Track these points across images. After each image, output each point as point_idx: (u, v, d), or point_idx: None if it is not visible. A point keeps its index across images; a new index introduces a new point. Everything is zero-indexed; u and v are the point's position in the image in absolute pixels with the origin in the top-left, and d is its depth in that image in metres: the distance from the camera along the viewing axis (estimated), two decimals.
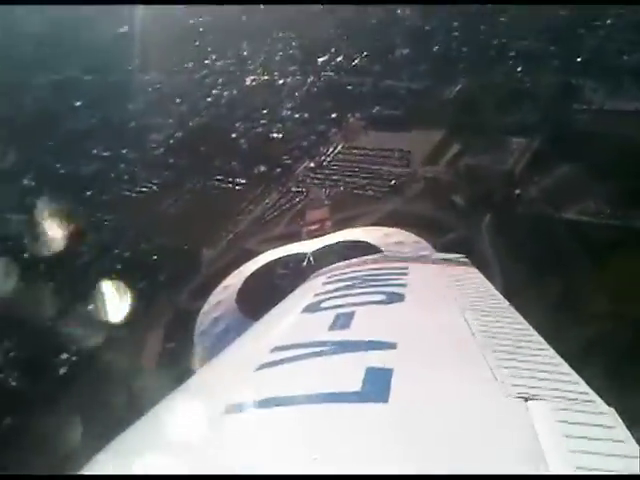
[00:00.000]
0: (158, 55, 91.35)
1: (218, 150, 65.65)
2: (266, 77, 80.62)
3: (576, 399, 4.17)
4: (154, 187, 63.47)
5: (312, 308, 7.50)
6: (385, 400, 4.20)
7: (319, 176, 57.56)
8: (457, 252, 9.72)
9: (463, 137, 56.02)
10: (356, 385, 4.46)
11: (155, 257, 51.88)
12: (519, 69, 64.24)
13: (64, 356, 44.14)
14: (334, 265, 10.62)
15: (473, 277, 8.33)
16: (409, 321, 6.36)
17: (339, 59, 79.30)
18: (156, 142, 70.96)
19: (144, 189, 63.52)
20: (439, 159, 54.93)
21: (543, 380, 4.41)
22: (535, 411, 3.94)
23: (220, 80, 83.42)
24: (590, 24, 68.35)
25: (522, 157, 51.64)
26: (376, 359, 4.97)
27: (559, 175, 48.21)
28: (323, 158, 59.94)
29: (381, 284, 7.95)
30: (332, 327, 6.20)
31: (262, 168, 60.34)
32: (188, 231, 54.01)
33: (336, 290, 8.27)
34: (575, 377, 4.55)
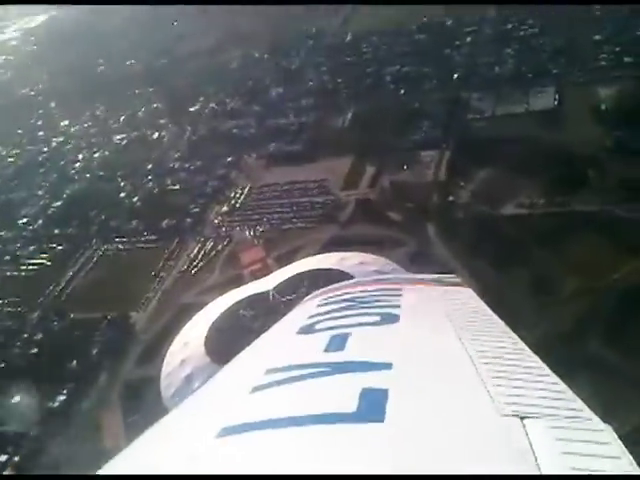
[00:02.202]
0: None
1: (110, 212, 62.02)
2: (136, 133, 77.84)
3: (572, 417, 4.30)
4: (45, 262, 58.02)
5: (307, 330, 7.65)
6: (381, 420, 4.32)
7: (237, 219, 56.26)
8: (416, 262, 10.23)
9: (374, 159, 57.87)
10: (352, 406, 4.59)
11: (78, 333, 47.20)
12: (402, 91, 67.95)
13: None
14: (327, 287, 10.83)
15: (466, 297, 8.63)
16: (404, 341, 6.45)
17: (212, 105, 78.86)
18: (30, 216, 65.34)
19: (33, 266, 57.85)
20: (358, 182, 56.08)
21: (539, 398, 4.56)
22: (532, 429, 4.05)
23: (83, 144, 79.44)
24: (452, 44, 74.56)
25: (439, 167, 54.30)
26: (371, 380, 5.11)
27: (481, 178, 51.39)
28: (234, 201, 58.63)
29: (375, 305, 8.12)
30: (327, 349, 6.31)
31: (168, 221, 57.67)
32: (105, 299, 50.03)
33: (330, 312, 8.39)
34: (570, 394, 4.70)
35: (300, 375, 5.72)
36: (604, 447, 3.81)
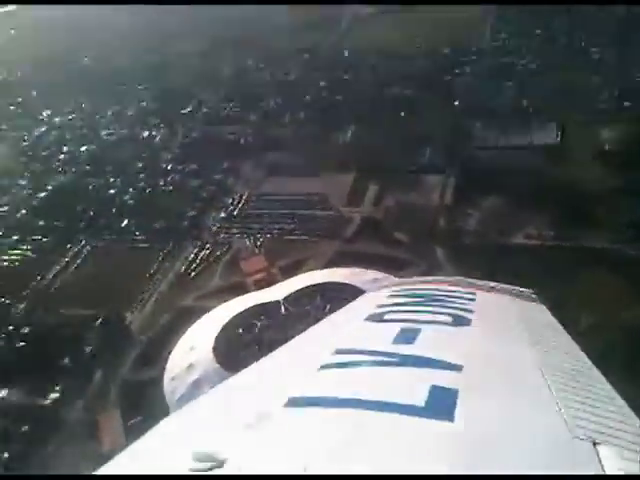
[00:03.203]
0: None
1: (99, 208, 60.67)
2: (125, 130, 76.59)
3: None
4: (29, 253, 56.23)
5: (376, 318, 7.75)
6: (450, 419, 4.37)
7: (236, 226, 55.76)
8: None
9: (376, 178, 58.32)
10: (420, 400, 4.63)
11: (69, 330, 45.70)
12: (402, 114, 68.82)
13: None
14: (397, 280, 11.20)
15: (540, 312, 8.86)
16: (476, 346, 6.52)
17: (205, 109, 78.31)
18: (12, 205, 63.35)
19: (15, 256, 55.96)
20: (361, 200, 56.39)
21: (610, 427, 4.56)
22: (605, 456, 3.98)
23: (68, 136, 77.61)
24: (451, 72, 76.09)
25: (445, 193, 55.10)
26: (441, 378, 5.15)
27: (488, 206, 52.33)
28: (232, 208, 58.10)
29: (448, 306, 8.16)
30: (396, 340, 6.39)
31: (162, 223, 56.76)
32: (97, 297, 48.73)
33: (401, 305, 8.53)
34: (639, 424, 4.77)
35: (369, 360, 5.77)
36: None
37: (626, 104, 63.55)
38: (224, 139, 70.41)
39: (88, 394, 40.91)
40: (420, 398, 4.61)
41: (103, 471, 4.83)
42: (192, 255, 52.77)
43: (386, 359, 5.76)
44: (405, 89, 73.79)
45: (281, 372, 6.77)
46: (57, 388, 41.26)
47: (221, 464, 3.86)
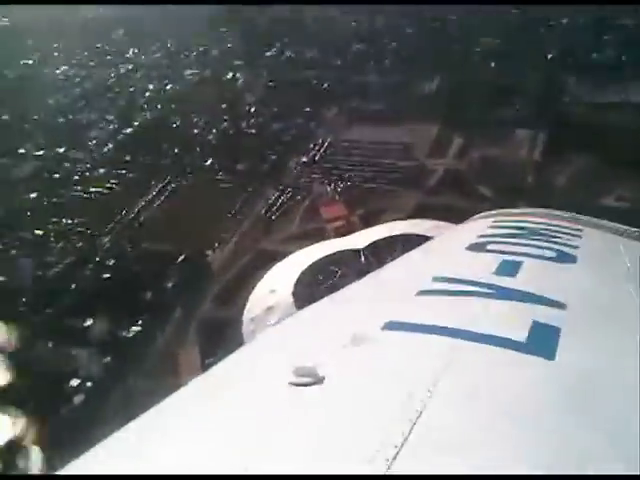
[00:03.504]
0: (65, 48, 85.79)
1: (183, 147, 61.64)
2: (208, 71, 77.07)
3: None
4: (115, 187, 57.94)
5: (476, 248, 7.36)
6: (552, 357, 4.09)
7: (317, 171, 55.73)
8: None
9: (461, 130, 56.98)
10: (522, 335, 4.38)
11: (151, 265, 47.08)
12: (492, 65, 66.61)
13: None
14: (501, 210, 10.59)
15: None
16: (581, 285, 6.04)
17: (289, 54, 77.80)
18: (100, 139, 65.09)
19: (102, 189, 57.76)
20: (445, 151, 55.37)
21: None
22: None
23: (153, 74, 78.66)
24: (546, 24, 72.87)
25: (534, 148, 53.44)
26: (543, 315, 4.82)
27: (579, 165, 50.56)
28: (314, 153, 58.04)
29: (553, 241, 7.60)
30: (497, 272, 6.05)
31: (245, 164, 57.28)
32: (178, 234, 49.85)
33: (504, 236, 8.04)
34: None
35: (468, 290, 5.58)
36: None
37: None
38: (307, 83, 69.91)
39: (168, 330, 42.26)
40: (521, 333, 4.46)
41: (202, 377, 5.20)
42: (273, 198, 53.13)
43: (487, 290, 5.57)
44: (496, 39, 71.01)
45: (378, 295, 6.72)
46: (139, 322, 42.60)
47: (321, 380, 3.91)
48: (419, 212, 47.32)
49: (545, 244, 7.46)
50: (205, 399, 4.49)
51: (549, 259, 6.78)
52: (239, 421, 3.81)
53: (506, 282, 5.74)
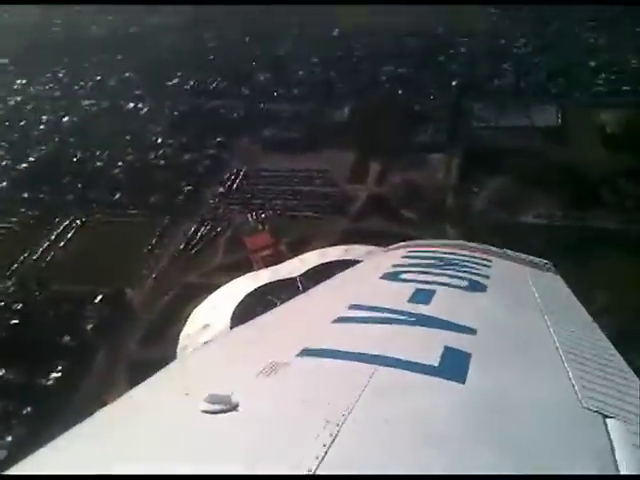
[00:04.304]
0: None
1: (87, 181, 58.28)
2: (107, 101, 73.86)
3: None
4: (13, 227, 53.68)
5: (391, 277, 7.72)
6: (462, 381, 4.32)
7: (236, 202, 54.21)
8: None
9: (378, 156, 57.50)
10: (434, 360, 4.60)
11: (66, 307, 43.74)
12: (400, 92, 68.15)
13: None
14: (413, 242, 11.12)
15: (556, 283, 8.73)
16: (490, 312, 6.48)
17: (192, 82, 76.06)
18: None
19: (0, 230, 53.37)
20: (364, 177, 55.54)
21: (621, 401, 4.53)
22: (614, 430, 3.93)
23: (47, 106, 74.38)
24: (446, 52, 75.72)
25: (450, 172, 54.65)
26: (455, 340, 5.11)
27: (494, 186, 52.09)
28: (230, 183, 56.55)
29: (464, 270, 8.11)
30: (411, 300, 6.37)
31: (157, 197, 54.85)
32: (92, 273, 46.66)
33: (417, 265, 8.51)
34: None
35: (383, 317, 5.76)
36: None
37: (624, 88, 64.03)
38: (215, 113, 68.50)
39: (92, 374, 39.13)
40: (433, 358, 4.61)
41: (116, 405, 4.92)
42: (192, 231, 51.02)
43: (401, 317, 5.74)
44: (400, 67, 72.88)
45: (295, 323, 6.80)
46: (58, 368, 39.20)
47: (234, 408, 3.89)
48: (346, 238, 46.72)
49: (457, 274, 7.84)
50: (114, 429, 4.29)
51: (461, 288, 7.12)
52: (151, 449, 3.71)
53: (420, 309, 5.96)
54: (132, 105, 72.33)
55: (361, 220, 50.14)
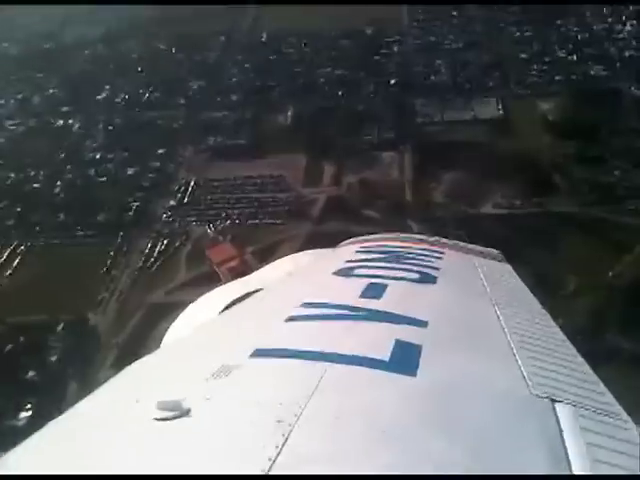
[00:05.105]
0: None
1: (26, 204, 55.02)
2: (34, 120, 70.11)
3: (601, 409, 4.33)
4: None
5: (344, 273, 7.85)
6: (413, 374, 4.47)
7: (191, 214, 52.46)
8: None
9: (330, 157, 57.10)
10: (385, 354, 4.73)
11: (25, 339, 40.92)
12: (340, 93, 67.91)
13: None
14: (366, 236, 11.09)
15: (506, 272, 8.95)
16: (441, 304, 6.70)
17: (123, 95, 73.29)
18: None
19: None
20: (320, 180, 54.93)
21: (570, 385, 4.66)
22: (561, 414, 4.08)
23: None
24: (379, 52, 75.98)
25: (403, 168, 54.83)
26: (406, 333, 5.27)
27: (450, 179, 52.63)
28: (181, 195, 54.68)
29: (415, 263, 8.28)
30: (364, 295, 6.49)
31: (105, 216, 52.40)
32: (47, 301, 43.99)
33: (369, 260, 8.66)
34: (602, 387, 4.83)
35: (335, 314, 5.81)
36: (630, 445, 3.84)
37: (557, 78, 66.23)
38: (153, 125, 66.18)
39: (67, 407, 36.50)
40: (384, 353, 4.66)
41: (64, 418, 4.71)
42: (148, 247, 48.93)
43: (353, 313, 5.78)
44: (337, 69, 72.67)
45: (248, 323, 6.73)
46: (28, 406, 36.62)
47: (186, 413, 3.83)
48: (312, 242, 45.98)
49: (408, 267, 7.87)
50: (63, 443, 4.14)
51: (412, 281, 7.15)
52: (102, 461, 3.59)
53: (372, 304, 5.99)
54: (62, 122, 68.73)
55: (324, 223, 49.49)
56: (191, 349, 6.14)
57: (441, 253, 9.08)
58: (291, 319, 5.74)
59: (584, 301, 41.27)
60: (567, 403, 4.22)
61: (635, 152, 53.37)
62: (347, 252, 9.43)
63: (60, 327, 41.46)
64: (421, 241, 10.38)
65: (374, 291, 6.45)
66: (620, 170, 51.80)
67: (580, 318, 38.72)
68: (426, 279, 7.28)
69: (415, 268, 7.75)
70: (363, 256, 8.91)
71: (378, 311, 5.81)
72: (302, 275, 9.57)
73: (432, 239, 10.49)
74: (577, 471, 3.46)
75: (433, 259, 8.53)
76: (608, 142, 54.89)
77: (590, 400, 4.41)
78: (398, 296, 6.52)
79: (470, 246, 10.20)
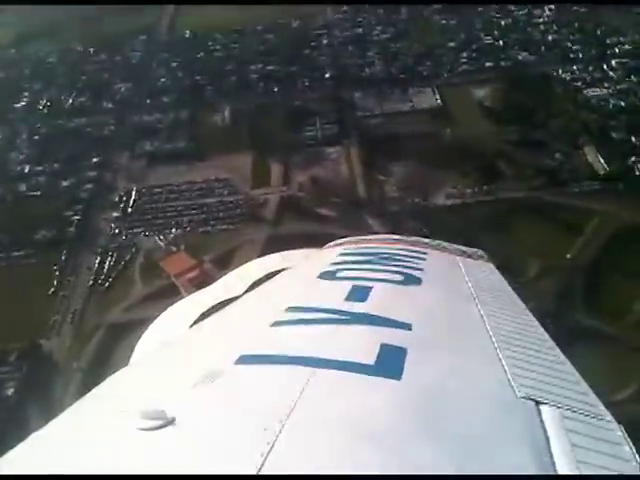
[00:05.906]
0: None
1: None
2: None
3: (585, 410, 4.36)
4: None
5: (328, 276, 7.89)
6: (398, 377, 4.48)
7: (137, 224, 50.14)
8: None
9: (274, 156, 56.01)
10: (370, 358, 4.75)
11: None
12: (275, 89, 66.73)
13: None
14: (350, 238, 11.23)
15: (489, 271, 9.20)
16: (425, 306, 6.80)
17: (44, 102, 69.34)
18: None
19: None
20: (268, 180, 53.74)
21: (554, 386, 4.71)
22: (546, 415, 4.12)
23: None
24: (308, 45, 75.08)
25: (351, 163, 54.38)
26: (391, 337, 5.29)
27: (399, 172, 52.66)
28: (123, 205, 52.23)
29: (399, 265, 8.39)
30: (348, 298, 6.60)
31: (44, 232, 49.44)
32: None
33: (353, 262, 8.80)
34: (585, 387, 4.87)
35: (321, 318, 5.85)
36: (615, 447, 3.93)
37: (487, 64, 67.41)
38: (82, 132, 62.90)
39: None
40: (370, 357, 4.70)
41: (48, 428, 4.64)
42: (96, 263, 46.48)
43: (338, 317, 5.78)
44: (268, 65, 71.30)
45: (232, 329, 6.77)
46: None
47: (171, 422, 3.84)
48: (271, 245, 44.94)
49: (392, 269, 7.84)
50: (49, 453, 4.10)
51: (396, 282, 7.13)
52: (88, 472, 3.55)
53: (357, 307, 5.99)
54: None
55: (279, 224, 48.41)
56: (173, 359, 6.10)
57: (425, 254, 9.08)
58: (276, 324, 5.73)
59: (546, 283, 42.23)
60: (552, 405, 4.25)
61: (572, 134, 55.13)
62: (331, 254, 9.43)
63: (13, 357, 38.58)
64: (405, 242, 10.20)
65: (359, 294, 6.46)
66: (561, 153, 53.24)
67: (544, 300, 39.76)
68: (410, 281, 7.29)
69: (399, 270, 7.75)
70: (347, 258, 8.90)
71: (363, 314, 5.80)
72: (287, 279, 9.47)
73: (416, 239, 10.44)
74: (562, 472, 3.51)
75: (417, 260, 8.53)
76: (545, 126, 56.28)
77: (574, 401, 4.44)
78: (383, 298, 6.49)
79: (454, 246, 10.13)
